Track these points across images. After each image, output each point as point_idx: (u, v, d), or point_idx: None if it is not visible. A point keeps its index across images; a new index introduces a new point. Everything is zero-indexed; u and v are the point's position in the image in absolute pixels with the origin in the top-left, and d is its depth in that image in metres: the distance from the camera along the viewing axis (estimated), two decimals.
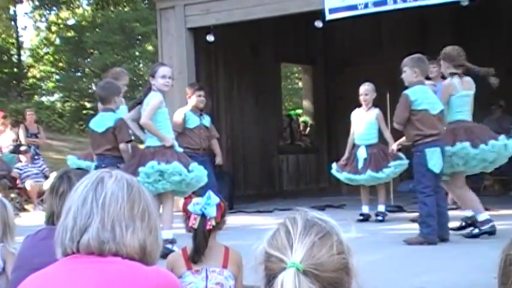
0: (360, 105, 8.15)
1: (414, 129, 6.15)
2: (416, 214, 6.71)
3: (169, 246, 5.73)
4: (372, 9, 8.43)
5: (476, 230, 6.33)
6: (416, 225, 6.51)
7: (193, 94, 8.02)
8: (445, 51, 6.61)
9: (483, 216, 6.34)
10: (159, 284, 1.64)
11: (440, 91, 8.62)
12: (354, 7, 8.48)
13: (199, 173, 6.16)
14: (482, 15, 10.62)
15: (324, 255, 1.42)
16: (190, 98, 8.06)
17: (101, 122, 6.38)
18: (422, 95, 6.22)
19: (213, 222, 3.20)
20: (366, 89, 8.06)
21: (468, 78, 6.68)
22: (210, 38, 9.92)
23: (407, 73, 6.29)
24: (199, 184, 6.18)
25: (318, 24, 9.38)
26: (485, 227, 6.27)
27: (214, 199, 3.21)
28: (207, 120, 8.19)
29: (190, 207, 3.21)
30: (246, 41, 11.42)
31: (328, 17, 8.72)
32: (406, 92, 6.26)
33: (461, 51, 6.63)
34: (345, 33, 12.24)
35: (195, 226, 3.20)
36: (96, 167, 6.08)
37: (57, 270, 1.68)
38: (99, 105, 6.71)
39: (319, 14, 8.94)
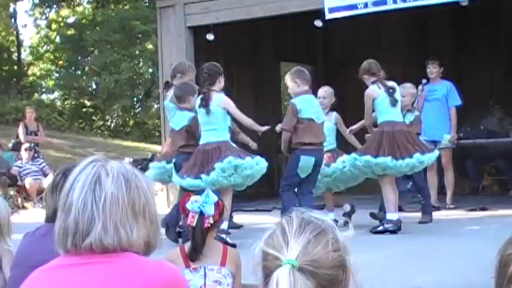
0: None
1: (296, 137, 6.61)
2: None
3: (223, 236, 5.94)
4: (371, 9, 8.43)
5: (381, 227, 6.70)
6: (414, 223, 6.55)
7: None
8: (361, 67, 7.02)
9: (392, 215, 6.68)
10: (165, 278, 1.65)
11: (440, 90, 8.68)
12: (353, 6, 8.48)
13: (263, 165, 6.50)
14: (482, 15, 10.62)
15: (319, 252, 1.44)
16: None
17: (178, 120, 6.85)
18: (307, 105, 6.58)
19: (211, 221, 3.20)
20: (324, 92, 7.60)
21: (391, 82, 7.01)
22: (210, 37, 9.93)
23: (290, 86, 6.70)
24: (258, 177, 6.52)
25: (318, 23, 9.38)
26: (388, 226, 6.63)
27: (213, 197, 3.21)
28: None
29: (188, 205, 3.22)
30: (246, 40, 11.42)
31: (328, 16, 8.73)
32: (292, 101, 6.68)
33: (375, 63, 7.02)
34: (345, 32, 12.24)
35: (193, 224, 3.20)
36: (174, 164, 6.68)
37: (63, 264, 1.68)
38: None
39: (319, 13, 8.95)
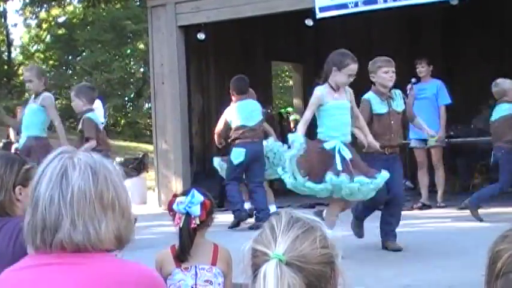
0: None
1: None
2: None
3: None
4: (362, 8, 8.44)
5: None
6: (405, 222, 6.57)
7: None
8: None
9: None
10: (139, 277, 1.61)
11: (430, 89, 8.70)
12: (344, 6, 8.50)
13: None
14: (473, 15, 10.66)
15: (307, 248, 1.46)
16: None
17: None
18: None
19: (197, 221, 3.19)
20: None
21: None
22: (201, 36, 9.92)
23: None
24: None
25: (309, 22, 9.39)
26: None
27: (198, 198, 3.20)
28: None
29: (174, 207, 3.21)
30: (237, 39, 11.42)
31: (319, 15, 8.74)
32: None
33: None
34: (336, 31, 12.26)
35: (180, 225, 3.20)
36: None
37: (34, 264, 1.63)
38: None
39: (310, 12, 8.96)
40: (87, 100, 6.75)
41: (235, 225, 7.52)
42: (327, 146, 5.31)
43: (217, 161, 8.00)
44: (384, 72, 5.90)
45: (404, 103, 6.14)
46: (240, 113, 7.60)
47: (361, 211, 5.90)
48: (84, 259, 1.60)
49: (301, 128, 5.48)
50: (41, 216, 1.61)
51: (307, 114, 5.55)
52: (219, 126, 7.84)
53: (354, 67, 5.55)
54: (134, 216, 1.75)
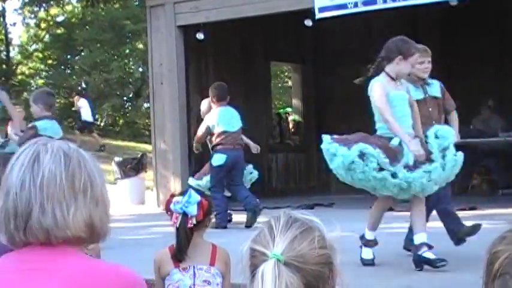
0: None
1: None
2: None
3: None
4: (361, 8, 8.45)
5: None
6: (403, 224, 6.54)
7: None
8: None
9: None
10: (118, 279, 1.55)
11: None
12: (343, 6, 8.50)
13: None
14: (472, 15, 10.67)
15: (305, 248, 1.46)
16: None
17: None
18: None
19: (194, 221, 3.20)
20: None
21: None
22: (200, 36, 9.93)
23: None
24: None
25: (308, 22, 9.40)
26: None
27: (195, 197, 3.21)
28: None
29: (171, 206, 3.21)
30: (236, 39, 11.42)
31: (318, 15, 8.75)
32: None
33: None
34: (335, 32, 12.27)
35: (177, 225, 3.20)
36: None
37: (7, 269, 1.56)
38: None
39: (309, 12, 8.96)
40: (43, 106, 6.76)
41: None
42: (394, 141, 4.92)
43: (193, 183, 7.96)
44: (419, 63, 5.53)
45: (441, 89, 5.75)
46: (222, 119, 7.74)
47: (450, 219, 5.62)
48: (62, 259, 1.54)
49: (394, 122, 4.89)
50: (13, 202, 1.56)
51: (386, 108, 4.94)
52: (200, 132, 7.92)
53: (417, 58, 5.23)
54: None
